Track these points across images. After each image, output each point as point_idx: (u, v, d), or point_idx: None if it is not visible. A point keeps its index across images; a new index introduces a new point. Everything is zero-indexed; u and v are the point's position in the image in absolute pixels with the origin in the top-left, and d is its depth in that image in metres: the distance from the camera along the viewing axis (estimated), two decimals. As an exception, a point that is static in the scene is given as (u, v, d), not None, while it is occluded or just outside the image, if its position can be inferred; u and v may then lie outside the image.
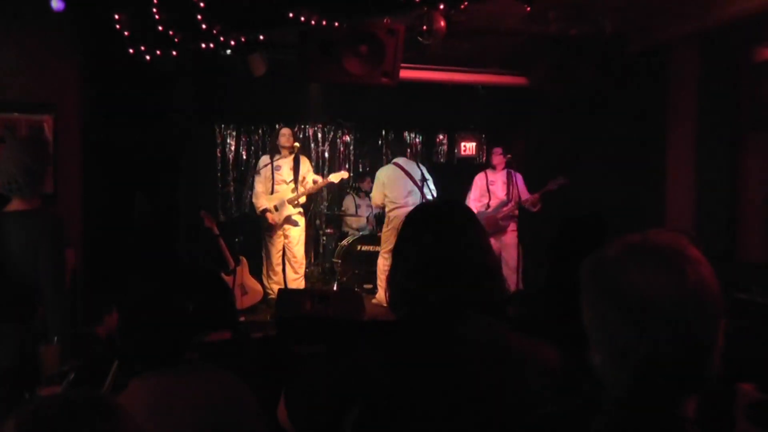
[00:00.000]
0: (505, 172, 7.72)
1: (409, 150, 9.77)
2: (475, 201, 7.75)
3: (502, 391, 1.49)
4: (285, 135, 7.45)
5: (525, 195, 7.48)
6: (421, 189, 7.27)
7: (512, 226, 7.56)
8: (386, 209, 7.45)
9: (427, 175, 7.41)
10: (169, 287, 2.32)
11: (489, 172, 7.86)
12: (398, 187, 7.33)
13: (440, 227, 1.61)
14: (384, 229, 7.54)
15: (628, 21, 6.33)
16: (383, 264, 7.41)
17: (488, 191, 7.72)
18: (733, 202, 6.09)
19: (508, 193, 7.59)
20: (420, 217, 1.68)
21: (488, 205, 7.65)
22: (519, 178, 7.66)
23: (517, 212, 7.53)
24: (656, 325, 1.09)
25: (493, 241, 7.38)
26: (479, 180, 7.86)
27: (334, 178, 7.50)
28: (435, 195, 7.37)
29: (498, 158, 7.74)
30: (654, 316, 1.09)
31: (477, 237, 1.64)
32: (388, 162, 7.77)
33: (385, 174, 7.48)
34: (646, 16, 6.25)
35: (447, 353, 1.51)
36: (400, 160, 7.57)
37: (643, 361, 1.11)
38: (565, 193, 7.17)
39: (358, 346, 1.54)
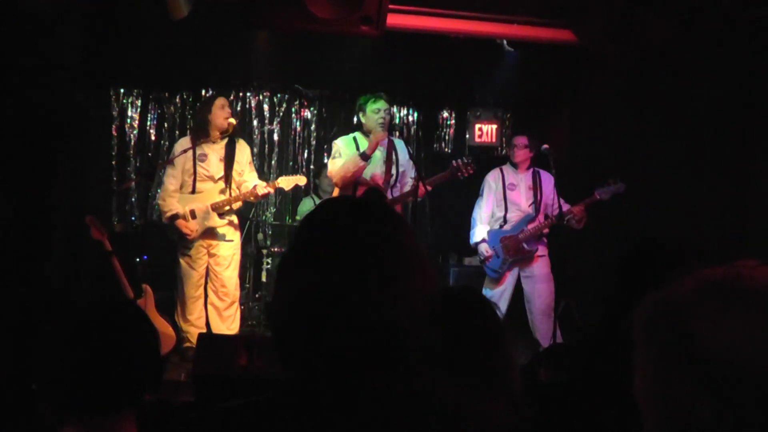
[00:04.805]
0: (530, 172, 7.65)
1: (398, 133, 9.70)
2: (486, 213, 7.65)
3: None
4: (222, 107, 7.20)
5: (553, 204, 7.31)
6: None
7: (541, 250, 7.51)
8: None
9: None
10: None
11: (508, 170, 7.73)
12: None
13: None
14: None
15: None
16: None
17: (505, 200, 7.60)
18: None
19: (534, 204, 7.52)
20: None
21: (505, 220, 7.56)
22: (548, 180, 7.52)
23: (547, 230, 7.46)
24: (744, 395, 1.10)
25: (512, 274, 7.40)
26: (492, 181, 7.72)
27: (285, 183, 7.37)
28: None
29: (522, 152, 7.61)
30: (741, 384, 1.10)
31: None
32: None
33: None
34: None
35: None
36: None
37: None
38: (623, 204, 7.18)
39: None
